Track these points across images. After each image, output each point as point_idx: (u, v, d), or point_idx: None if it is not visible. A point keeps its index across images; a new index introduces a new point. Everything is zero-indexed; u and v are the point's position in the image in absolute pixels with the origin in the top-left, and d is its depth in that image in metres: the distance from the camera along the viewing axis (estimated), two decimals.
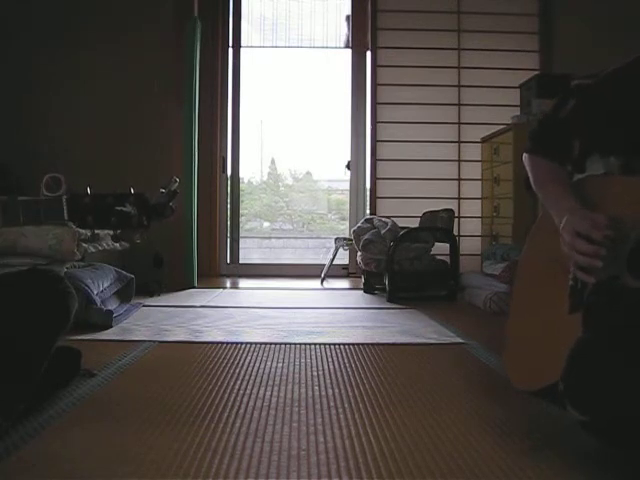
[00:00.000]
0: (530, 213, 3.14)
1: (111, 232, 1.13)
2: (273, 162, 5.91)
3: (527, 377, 1.24)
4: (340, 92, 4.65)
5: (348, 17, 4.60)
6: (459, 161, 4.35)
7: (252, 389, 1.52)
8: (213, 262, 4.39)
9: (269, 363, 1.80)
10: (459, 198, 4.33)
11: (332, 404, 1.40)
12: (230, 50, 4.54)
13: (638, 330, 0.98)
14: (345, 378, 1.64)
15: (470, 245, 4.16)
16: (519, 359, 1.33)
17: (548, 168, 1.33)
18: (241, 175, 4.74)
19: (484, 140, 4.10)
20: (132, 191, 1.05)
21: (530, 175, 1.39)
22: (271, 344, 2.07)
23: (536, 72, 4.09)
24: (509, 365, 1.36)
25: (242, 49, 4.60)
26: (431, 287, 3.37)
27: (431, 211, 3.70)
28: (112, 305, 2.51)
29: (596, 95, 1.28)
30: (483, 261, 3.50)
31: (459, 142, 4.35)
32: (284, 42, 4.71)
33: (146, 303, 2.95)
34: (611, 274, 1.07)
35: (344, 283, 4.14)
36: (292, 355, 1.91)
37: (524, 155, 1.41)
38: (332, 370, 1.72)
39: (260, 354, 1.92)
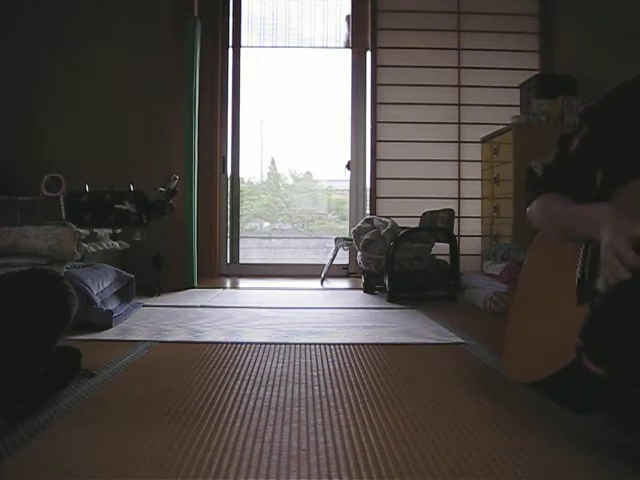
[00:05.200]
0: None
1: (110, 231, 1.12)
2: (273, 162, 5.90)
3: (527, 369, 1.25)
4: (340, 92, 4.65)
5: (348, 17, 4.60)
6: (459, 161, 4.35)
7: (252, 389, 1.52)
8: (213, 262, 4.40)
9: (269, 363, 1.79)
10: (459, 198, 4.33)
11: (332, 404, 1.39)
12: (230, 50, 4.55)
13: None
14: (345, 378, 1.64)
15: (470, 245, 4.17)
16: (519, 353, 1.34)
17: (567, 199, 1.19)
18: (241, 175, 4.75)
19: (484, 140, 4.11)
20: (131, 188, 1.03)
21: (543, 215, 1.25)
22: (271, 344, 2.07)
23: (536, 72, 4.10)
24: (508, 358, 1.36)
25: (242, 49, 4.60)
26: (431, 287, 3.37)
27: (431, 211, 3.70)
28: (112, 305, 2.52)
29: (611, 111, 1.19)
30: (483, 261, 3.50)
31: (459, 142, 4.35)
32: (284, 42, 4.71)
33: (146, 303, 2.95)
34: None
35: (344, 283, 4.14)
36: (292, 355, 1.91)
37: (529, 208, 1.28)
38: (332, 370, 1.72)
39: (260, 354, 1.91)
